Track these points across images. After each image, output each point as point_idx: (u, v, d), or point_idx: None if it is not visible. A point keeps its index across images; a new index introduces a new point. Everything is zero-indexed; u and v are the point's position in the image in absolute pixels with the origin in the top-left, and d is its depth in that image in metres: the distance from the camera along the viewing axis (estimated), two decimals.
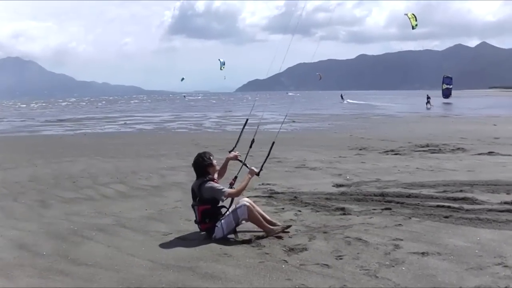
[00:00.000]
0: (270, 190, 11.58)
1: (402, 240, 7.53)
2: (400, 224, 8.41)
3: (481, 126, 31.77)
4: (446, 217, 8.83)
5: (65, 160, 17.93)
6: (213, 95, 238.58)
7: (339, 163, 15.66)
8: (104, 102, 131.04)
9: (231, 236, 7.76)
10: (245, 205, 7.68)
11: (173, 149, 20.16)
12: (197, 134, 29.29)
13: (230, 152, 8.57)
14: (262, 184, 12.22)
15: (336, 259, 6.74)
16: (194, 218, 7.97)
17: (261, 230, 7.86)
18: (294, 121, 40.33)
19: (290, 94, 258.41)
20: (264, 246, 7.30)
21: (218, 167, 8.31)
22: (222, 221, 7.69)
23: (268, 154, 8.66)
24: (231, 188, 8.06)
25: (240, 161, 8.42)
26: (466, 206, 9.61)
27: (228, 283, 5.96)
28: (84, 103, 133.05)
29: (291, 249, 7.09)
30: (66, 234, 8.31)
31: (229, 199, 7.96)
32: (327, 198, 10.58)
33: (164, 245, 7.53)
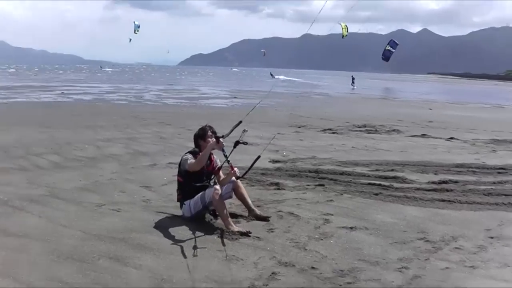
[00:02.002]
0: None
1: (332, 215, 7.79)
2: (331, 200, 8.69)
3: (417, 110, 32.60)
4: (376, 194, 9.18)
5: None
6: (155, 68, 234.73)
7: (277, 140, 15.78)
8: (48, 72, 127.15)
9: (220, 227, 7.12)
10: (214, 188, 7.16)
11: (111, 121, 19.88)
12: (137, 106, 28.94)
13: (218, 138, 7.29)
14: None
15: (268, 232, 6.92)
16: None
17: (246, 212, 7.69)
18: (235, 97, 40.34)
19: (234, 70, 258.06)
20: (200, 218, 7.38)
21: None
22: (191, 200, 7.39)
23: (251, 166, 7.59)
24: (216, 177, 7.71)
25: (225, 156, 7.46)
26: (395, 185, 10.02)
27: (160, 254, 6.04)
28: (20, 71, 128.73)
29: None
30: None
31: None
32: (262, 173, 10.74)
33: (97, 216, 7.50)
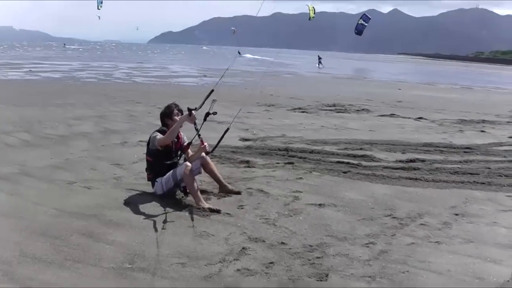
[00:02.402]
0: None
1: (301, 192, 7.94)
2: (301, 178, 8.84)
3: (387, 90, 32.90)
4: (345, 172, 9.35)
5: None
6: (125, 46, 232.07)
7: (247, 119, 15.92)
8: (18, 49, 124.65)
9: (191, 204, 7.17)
10: (185, 165, 7.22)
11: (81, 99, 19.67)
12: (106, 84, 28.68)
13: (190, 111, 7.14)
14: None
15: (238, 208, 7.04)
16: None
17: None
18: (205, 76, 40.21)
19: (204, 48, 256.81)
20: (171, 195, 7.46)
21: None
22: (163, 177, 7.46)
23: (220, 139, 7.95)
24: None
25: (196, 130, 7.53)
26: (364, 163, 10.21)
27: (132, 230, 6.11)
28: None
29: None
30: None
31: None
32: (233, 151, 10.84)
33: (69, 194, 7.51)
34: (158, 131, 7.56)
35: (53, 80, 30.29)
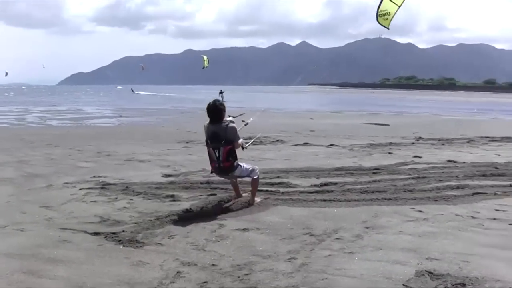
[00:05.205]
0: (102, 182, 11.89)
1: (226, 220, 8.49)
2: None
3: (299, 120, 34.20)
4: (265, 199, 9.96)
5: None
6: (33, 88, 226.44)
7: (168, 155, 16.35)
8: None
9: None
10: (258, 173, 9.72)
11: None
12: (21, 129, 28.31)
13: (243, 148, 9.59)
14: (94, 176, 12.53)
15: (169, 238, 7.49)
16: (215, 159, 9.12)
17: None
18: (121, 116, 40.26)
19: (119, 87, 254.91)
20: (101, 233, 7.81)
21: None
22: (244, 165, 9.40)
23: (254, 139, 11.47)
24: None
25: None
26: (282, 190, 10.89)
27: (71, 265, 6.42)
28: None
29: (127, 234, 7.70)
30: None
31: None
32: (157, 187, 11.23)
33: (3, 237, 7.67)
34: (229, 124, 9.11)
35: None
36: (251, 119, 10.64)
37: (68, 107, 58.08)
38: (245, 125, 10.44)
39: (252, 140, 11.00)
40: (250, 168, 9.48)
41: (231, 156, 9.08)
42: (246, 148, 9.66)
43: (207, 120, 9.22)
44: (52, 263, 6.49)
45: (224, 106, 9.19)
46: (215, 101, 9.24)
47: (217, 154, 9.04)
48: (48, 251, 6.97)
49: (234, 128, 9.03)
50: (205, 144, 9.30)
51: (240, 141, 9.25)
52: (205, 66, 33.72)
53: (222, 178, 12.02)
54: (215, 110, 9.06)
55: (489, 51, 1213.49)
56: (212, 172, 9.48)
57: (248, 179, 9.74)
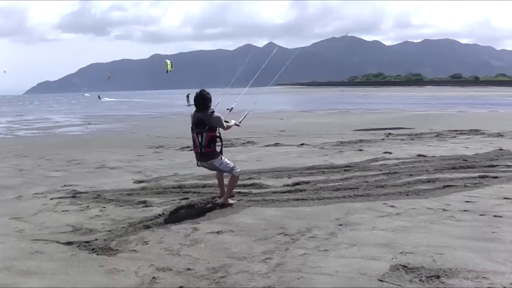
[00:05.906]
0: (73, 190, 11.76)
1: (199, 223, 8.46)
2: None
3: (269, 121, 34.30)
4: (238, 201, 9.96)
5: None
6: None
7: (138, 161, 16.25)
8: None
9: None
10: (238, 172, 10.16)
11: None
12: None
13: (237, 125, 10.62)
14: (64, 185, 12.38)
15: (143, 244, 7.43)
16: (198, 144, 9.66)
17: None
18: (90, 123, 39.90)
19: (86, 95, 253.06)
20: (73, 242, 7.71)
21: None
22: (225, 159, 9.81)
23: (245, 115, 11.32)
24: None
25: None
26: (254, 191, 10.93)
27: (44, 276, 6.34)
28: None
29: (100, 242, 7.62)
30: None
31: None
32: (129, 194, 11.14)
33: None
34: (214, 112, 9.60)
35: None
36: (235, 103, 11.14)
37: (35, 116, 57.29)
38: (229, 111, 11.00)
39: (245, 115, 11.30)
40: (232, 165, 9.83)
41: (213, 143, 9.55)
42: (240, 124, 10.63)
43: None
44: (25, 275, 6.40)
45: (210, 95, 9.71)
46: (202, 90, 9.78)
47: (199, 139, 9.54)
48: (20, 263, 6.87)
49: (219, 117, 9.56)
50: (189, 133, 9.90)
51: (232, 122, 10.20)
52: (168, 70, 33.72)
53: (194, 182, 12.06)
54: (202, 98, 9.58)
55: (454, 46, 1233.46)
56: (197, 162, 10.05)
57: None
